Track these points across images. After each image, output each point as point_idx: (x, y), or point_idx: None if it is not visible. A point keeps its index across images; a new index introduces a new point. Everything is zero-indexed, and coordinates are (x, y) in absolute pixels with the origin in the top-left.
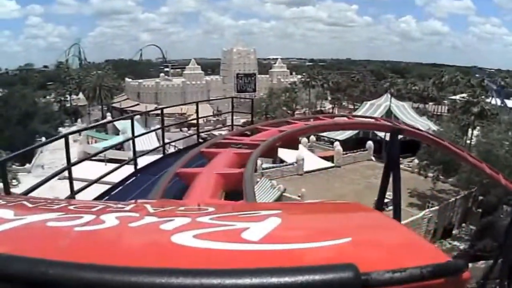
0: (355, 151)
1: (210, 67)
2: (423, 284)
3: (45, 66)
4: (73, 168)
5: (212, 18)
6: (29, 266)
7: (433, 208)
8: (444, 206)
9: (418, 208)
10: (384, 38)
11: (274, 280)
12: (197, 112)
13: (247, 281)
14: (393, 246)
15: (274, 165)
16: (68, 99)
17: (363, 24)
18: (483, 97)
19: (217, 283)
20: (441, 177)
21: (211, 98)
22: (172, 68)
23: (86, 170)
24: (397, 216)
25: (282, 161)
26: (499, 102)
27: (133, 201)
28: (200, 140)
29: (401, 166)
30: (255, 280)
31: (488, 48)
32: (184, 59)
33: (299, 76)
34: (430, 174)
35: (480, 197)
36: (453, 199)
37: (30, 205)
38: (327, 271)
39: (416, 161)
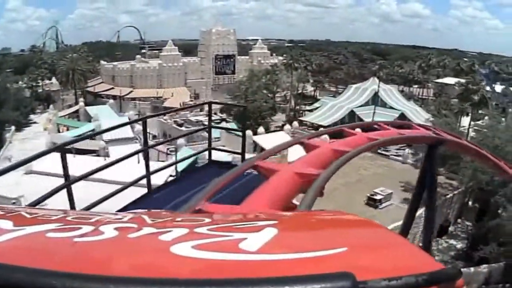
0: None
1: (188, 48)
2: None
3: (22, 50)
4: (46, 161)
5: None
6: (32, 276)
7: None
8: (441, 203)
9: None
10: (364, 20)
11: None
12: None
13: None
14: (388, 255)
15: (255, 156)
16: (40, 84)
17: (344, 6)
18: (483, 83)
19: None
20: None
21: (185, 105)
22: (149, 50)
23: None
24: (426, 240)
25: (263, 150)
26: (488, 87)
27: (130, 211)
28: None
29: (389, 154)
30: None
31: (469, 31)
32: (163, 40)
33: (280, 58)
34: None
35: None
36: (450, 194)
37: (28, 216)
38: (325, 280)
39: (408, 150)
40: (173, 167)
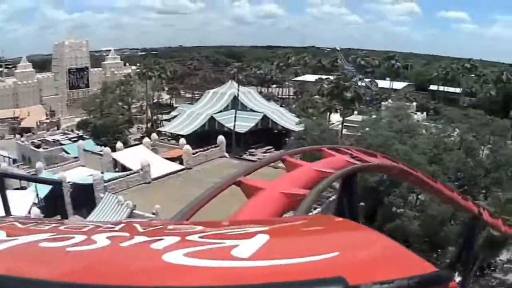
0: (206, 148)
1: (44, 64)
2: None
3: None
4: None
5: (48, 13)
6: (26, 286)
7: (316, 211)
8: (326, 207)
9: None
10: (217, 23)
11: None
12: None
13: None
14: (380, 259)
15: (117, 174)
16: None
17: (196, 11)
18: (354, 80)
19: None
20: None
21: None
22: (7, 68)
23: None
24: None
25: (125, 168)
26: (360, 83)
27: (123, 220)
28: None
29: (254, 158)
30: None
31: (326, 28)
32: (20, 56)
33: (134, 67)
34: None
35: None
36: (334, 196)
37: (21, 226)
38: (318, 285)
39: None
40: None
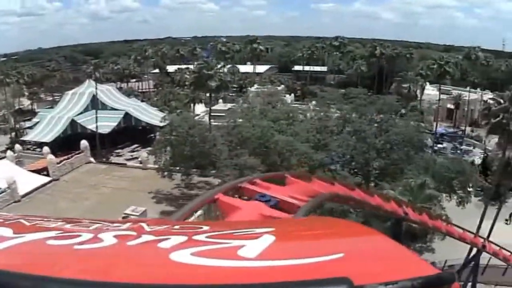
0: (70, 155)
1: None
2: None
3: None
4: None
5: None
6: (33, 283)
7: (198, 213)
8: (208, 208)
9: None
10: (73, 22)
11: None
12: None
13: None
14: (384, 260)
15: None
16: None
17: (53, 10)
18: (218, 66)
19: None
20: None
21: None
22: None
23: None
24: None
25: None
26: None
27: (129, 219)
28: None
29: (122, 159)
30: None
31: (182, 18)
32: None
33: None
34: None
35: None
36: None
37: (27, 224)
38: (323, 285)
39: (145, 154)
40: None
